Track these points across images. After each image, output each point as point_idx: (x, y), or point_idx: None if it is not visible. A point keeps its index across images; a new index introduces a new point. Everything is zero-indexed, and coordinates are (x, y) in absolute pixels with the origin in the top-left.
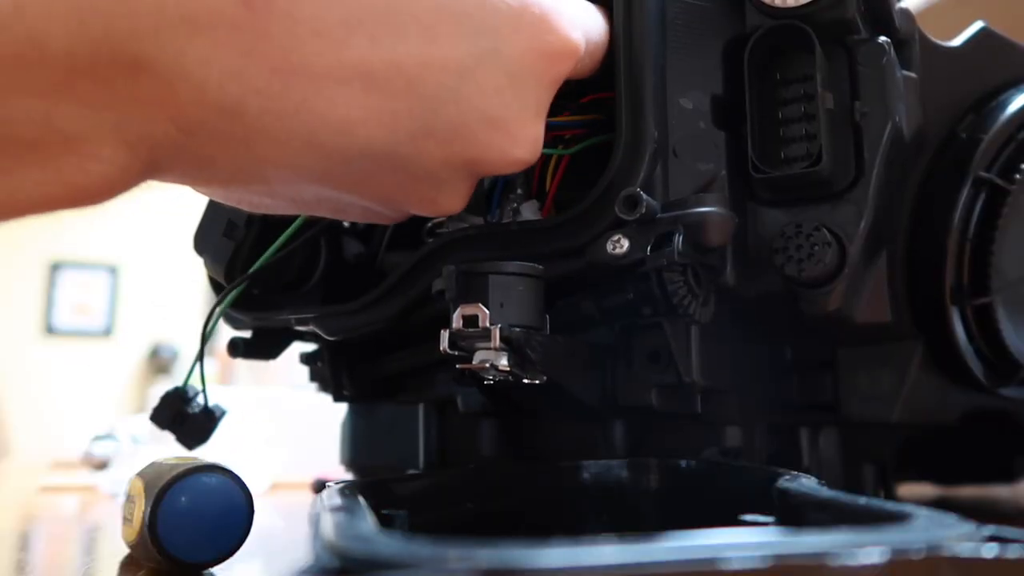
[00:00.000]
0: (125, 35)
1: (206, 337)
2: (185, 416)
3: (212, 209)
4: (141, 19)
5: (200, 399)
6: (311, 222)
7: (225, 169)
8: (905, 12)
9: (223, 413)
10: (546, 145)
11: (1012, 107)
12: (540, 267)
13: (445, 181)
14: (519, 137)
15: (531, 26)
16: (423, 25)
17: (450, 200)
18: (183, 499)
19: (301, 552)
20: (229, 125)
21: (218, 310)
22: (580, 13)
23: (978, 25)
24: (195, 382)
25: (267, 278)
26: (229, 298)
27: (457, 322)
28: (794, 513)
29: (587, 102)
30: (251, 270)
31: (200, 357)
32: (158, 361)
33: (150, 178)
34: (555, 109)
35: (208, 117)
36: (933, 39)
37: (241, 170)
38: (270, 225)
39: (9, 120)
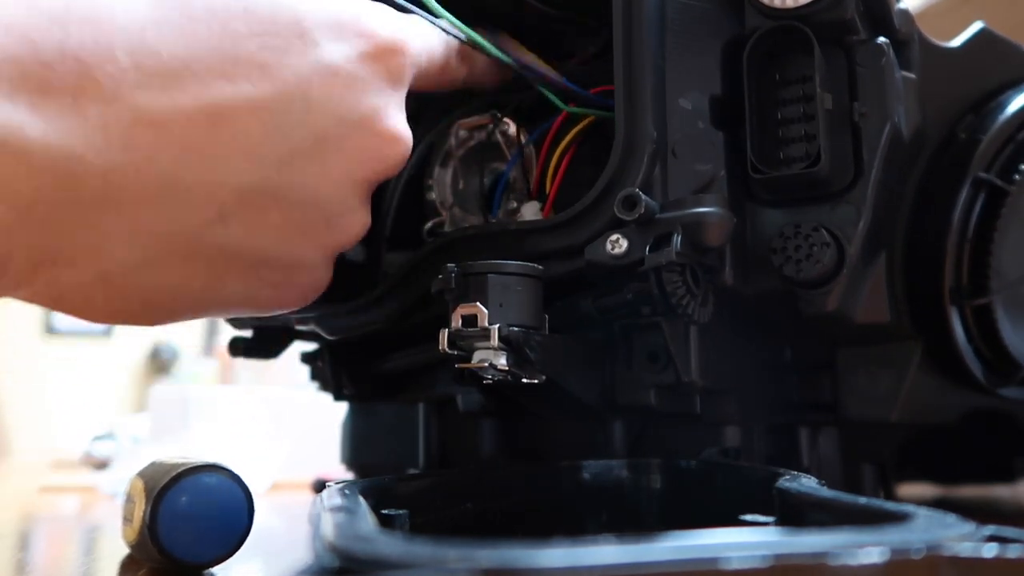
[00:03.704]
0: None
1: None
2: None
3: None
4: None
5: None
6: None
7: (76, 260)
8: (904, 13)
9: None
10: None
11: (1011, 108)
12: (539, 267)
13: (335, 205)
14: (386, 135)
15: (348, 29)
16: (254, 63)
17: (351, 223)
18: (183, 499)
19: (301, 552)
20: (70, 193)
21: None
22: (403, 23)
23: (978, 26)
24: None
25: None
26: None
27: (456, 322)
28: (794, 513)
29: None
30: None
31: None
32: (158, 361)
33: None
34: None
35: (44, 187)
36: (933, 40)
37: (98, 252)
38: None
39: None
